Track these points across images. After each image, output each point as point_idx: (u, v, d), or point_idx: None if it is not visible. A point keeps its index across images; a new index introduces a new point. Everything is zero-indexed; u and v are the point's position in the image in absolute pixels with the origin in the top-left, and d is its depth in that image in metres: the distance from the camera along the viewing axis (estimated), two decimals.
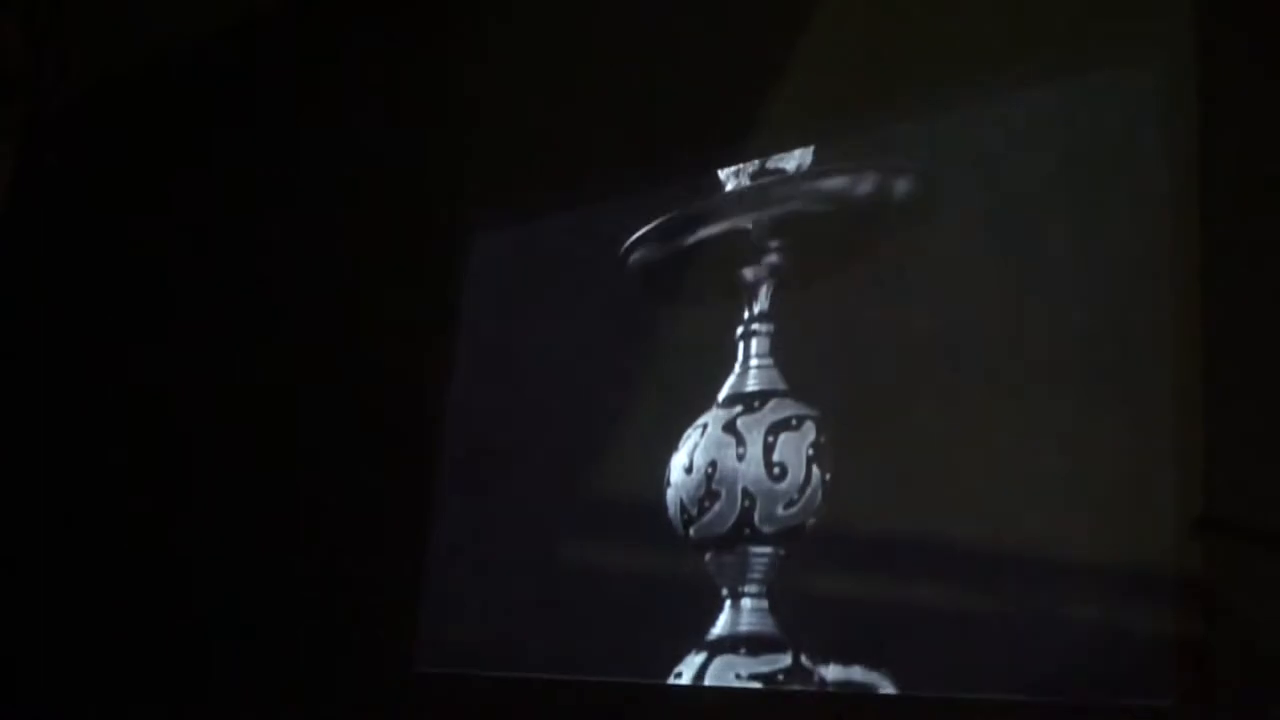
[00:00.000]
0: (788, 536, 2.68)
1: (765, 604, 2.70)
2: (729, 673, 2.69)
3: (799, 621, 2.65)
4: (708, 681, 2.71)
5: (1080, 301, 2.36)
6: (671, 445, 2.87)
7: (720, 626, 2.74)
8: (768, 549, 2.71)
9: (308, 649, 3.48)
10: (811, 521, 2.66)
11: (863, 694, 2.46)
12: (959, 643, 2.36)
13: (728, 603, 2.74)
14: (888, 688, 2.48)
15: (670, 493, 2.87)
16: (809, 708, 2.55)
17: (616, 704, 2.82)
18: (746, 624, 2.71)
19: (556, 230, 3.28)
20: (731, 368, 2.84)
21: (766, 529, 2.71)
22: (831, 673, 2.56)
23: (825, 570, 2.63)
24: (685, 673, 2.75)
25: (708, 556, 2.79)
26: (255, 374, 3.92)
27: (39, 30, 4.49)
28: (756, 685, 2.64)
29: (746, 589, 2.72)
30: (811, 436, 2.69)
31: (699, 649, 2.75)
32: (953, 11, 2.66)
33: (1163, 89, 2.34)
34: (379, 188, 3.77)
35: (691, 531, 2.82)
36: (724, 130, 2.98)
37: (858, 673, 2.52)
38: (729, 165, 2.93)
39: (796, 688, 2.59)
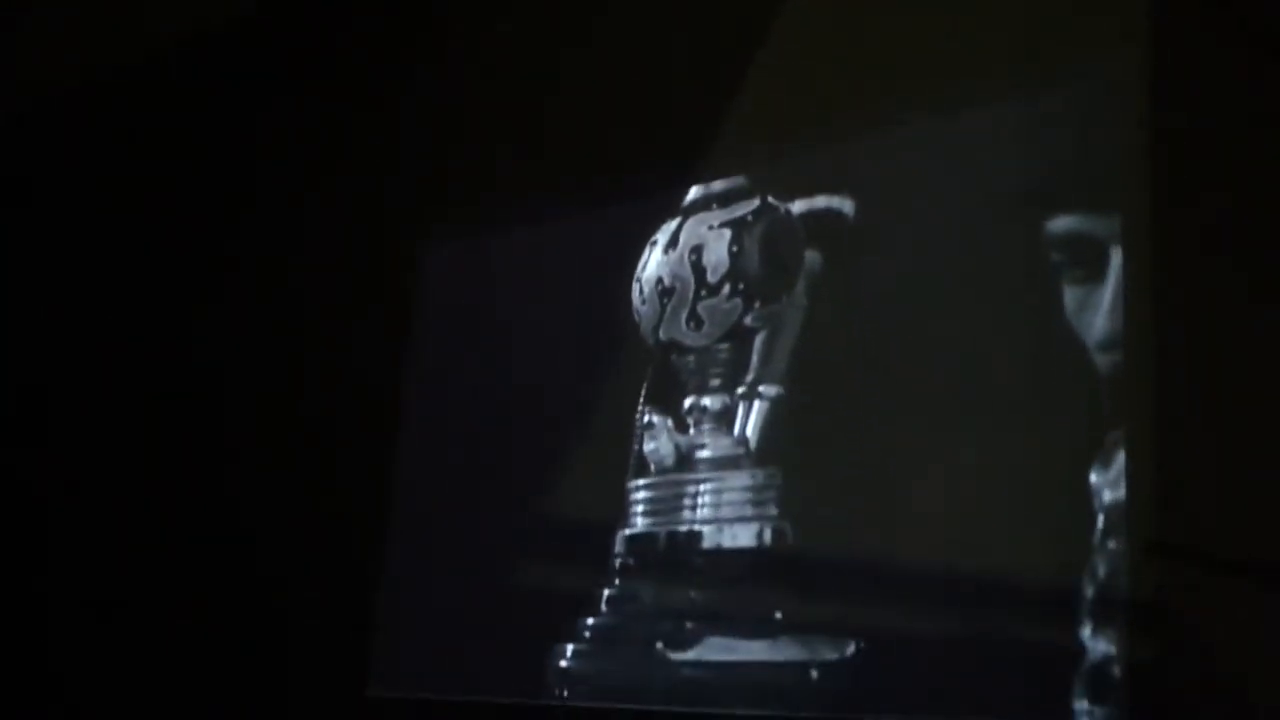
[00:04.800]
0: None
1: None
2: (701, 226, 2.93)
3: (768, 173, 2.89)
4: (681, 240, 2.94)
5: (1032, 323, 2.36)
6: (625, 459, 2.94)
7: (693, 192, 2.98)
8: None
9: (261, 672, 3.47)
10: None
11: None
12: (910, 666, 2.36)
13: None
14: (849, 208, 2.73)
15: None
16: None
17: None
18: (718, 184, 2.95)
19: (513, 244, 3.32)
20: None
21: None
22: (797, 206, 2.81)
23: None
24: (660, 238, 2.99)
25: None
26: (205, 389, 3.89)
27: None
28: (726, 232, 2.88)
29: None
30: None
31: (671, 216, 2.99)
32: (909, 26, 2.69)
33: (1114, 100, 2.34)
34: (337, 197, 3.76)
35: None
36: (683, 147, 3.01)
37: (820, 201, 2.78)
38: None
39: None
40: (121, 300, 4.26)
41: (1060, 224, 2.40)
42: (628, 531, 2.86)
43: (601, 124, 3.20)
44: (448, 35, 3.67)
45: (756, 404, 2.73)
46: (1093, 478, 2.21)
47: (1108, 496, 2.19)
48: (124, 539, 3.93)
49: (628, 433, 2.92)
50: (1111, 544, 2.17)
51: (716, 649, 2.62)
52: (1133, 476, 2.16)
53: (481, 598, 3.08)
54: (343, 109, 3.84)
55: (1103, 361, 2.27)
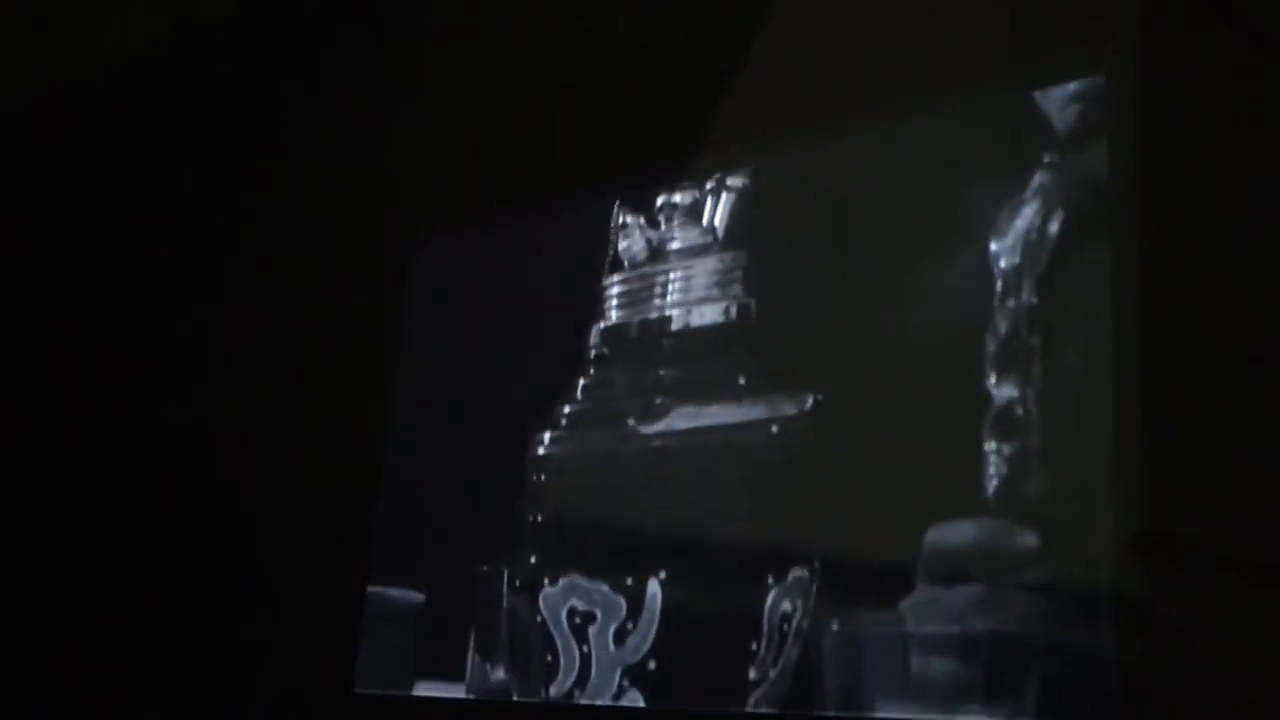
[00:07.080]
0: None
1: None
2: None
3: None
4: None
5: (1019, 315, 2.35)
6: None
7: None
8: None
9: (247, 670, 3.47)
10: None
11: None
12: (896, 661, 2.34)
13: None
14: None
15: None
16: None
17: None
18: None
19: (498, 241, 3.30)
20: None
21: None
22: None
23: None
24: None
25: None
26: (192, 385, 3.90)
27: None
28: None
29: None
30: None
31: None
32: (897, 24, 2.68)
33: (1108, 97, 2.34)
34: (323, 195, 3.76)
35: None
36: (664, 146, 3.01)
37: None
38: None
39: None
40: (110, 296, 4.26)
41: None
42: (602, 324, 2.98)
43: (590, 122, 3.20)
44: (434, 35, 3.66)
45: (724, 195, 2.85)
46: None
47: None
48: (112, 535, 3.93)
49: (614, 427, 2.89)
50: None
51: (684, 417, 2.74)
52: (1122, 468, 2.15)
53: (470, 594, 3.05)
54: (330, 108, 3.83)
55: None
